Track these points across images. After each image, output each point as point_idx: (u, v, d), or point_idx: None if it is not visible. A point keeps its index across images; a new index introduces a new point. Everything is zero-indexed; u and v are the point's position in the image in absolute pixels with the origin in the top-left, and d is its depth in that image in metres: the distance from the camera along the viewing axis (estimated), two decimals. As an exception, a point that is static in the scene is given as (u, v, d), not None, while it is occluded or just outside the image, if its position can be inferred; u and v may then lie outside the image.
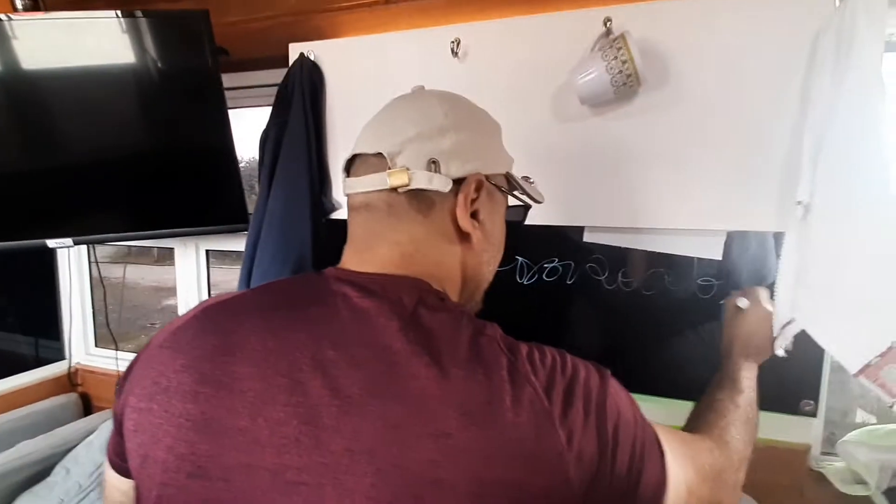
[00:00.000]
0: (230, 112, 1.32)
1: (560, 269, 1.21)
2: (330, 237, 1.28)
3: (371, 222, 0.56)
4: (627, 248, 1.13)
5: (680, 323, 1.14)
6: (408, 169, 0.53)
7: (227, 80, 1.33)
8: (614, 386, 0.53)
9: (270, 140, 1.26)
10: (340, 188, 1.24)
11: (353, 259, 0.56)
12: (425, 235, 0.56)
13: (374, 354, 0.45)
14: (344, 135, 1.28)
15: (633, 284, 1.16)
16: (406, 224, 0.55)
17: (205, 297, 1.75)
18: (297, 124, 1.22)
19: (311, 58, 1.25)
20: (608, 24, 0.98)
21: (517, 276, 1.24)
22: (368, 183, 0.55)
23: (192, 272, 1.72)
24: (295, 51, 1.26)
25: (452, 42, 1.11)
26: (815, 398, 1.06)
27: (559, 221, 1.09)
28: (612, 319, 1.19)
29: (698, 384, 1.15)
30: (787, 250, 0.87)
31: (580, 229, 1.15)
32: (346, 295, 0.50)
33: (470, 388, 0.43)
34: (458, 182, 0.56)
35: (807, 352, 1.03)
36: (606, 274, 1.17)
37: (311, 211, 1.20)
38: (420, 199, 0.55)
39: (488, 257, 0.65)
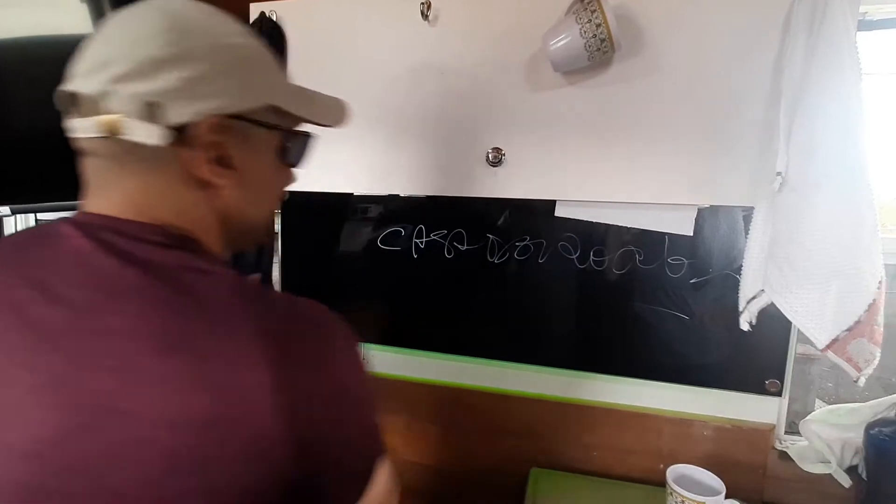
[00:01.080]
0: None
1: (532, 247, 1.17)
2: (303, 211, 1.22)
3: (99, 170, 0.49)
4: (599, 227, 1.11)
5: (651, 302, 1.12)
6: (120, 115, 0.45)
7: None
8: (352, 357, 0.50)
9: None
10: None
11: (88, 204, 0.50)
12: (161, 183, 0.49)
13: (79, 292, 0.43)
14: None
15: (605, 263, 1.13)
16: (136, 174, 0.48)
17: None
18: None
19: (273, 18, 1.17)
20: (583, -12, 0.95)
21: (488, 255, 1.20)
22: (81, 128, 0.47)
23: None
24: (256, 9, 1.19)
25: (423, 4, 1.06)
26: (781, 378, 1.06)
27: (532, 195, 1.06)
28: (584, 298, 1.17)
29: (668, 365, 1.15)
30: (757, 224, 0.86)
31: (552, 207, 1.12)
32: (64, 235, 0.47)
33: (170, 319, 0.42)
34: (184, 128, 0.47)
35: (773, 331, 1.04)
36: (578, 253, 1.14)
37: None
38: (145, 147, 0.46)
39: (253, 199, 0.56)
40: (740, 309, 0.87)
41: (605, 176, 1.00)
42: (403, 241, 1.27)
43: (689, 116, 0.93)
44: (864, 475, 1.00)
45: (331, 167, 1.25)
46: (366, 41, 1.14)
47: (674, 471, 0.98)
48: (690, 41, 0.92)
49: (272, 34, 1.16)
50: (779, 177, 0.82)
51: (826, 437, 1.05)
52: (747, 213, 0.98)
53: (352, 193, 1.27)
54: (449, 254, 1.23)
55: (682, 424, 1.14)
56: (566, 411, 1.20)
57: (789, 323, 1.01)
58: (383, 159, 1.20)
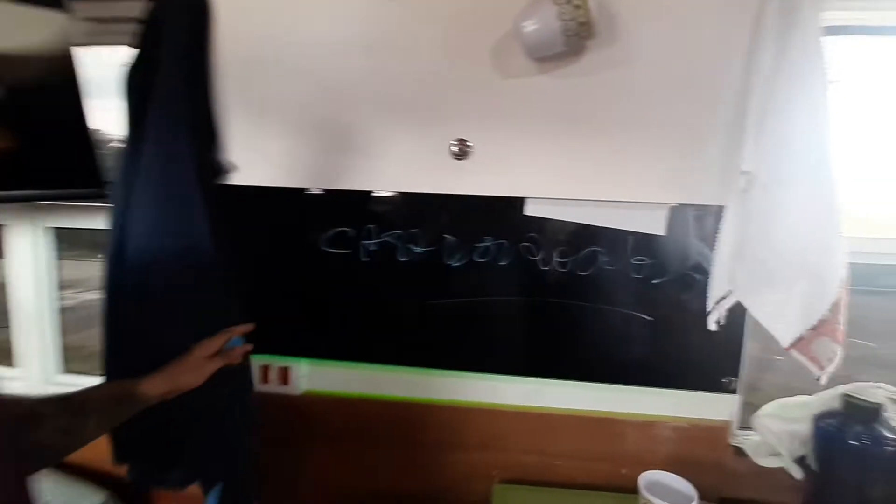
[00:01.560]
0: (86, 49, 1.02)
1: (493, 248, 1.10)
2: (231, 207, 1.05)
3: None
4: (564, 225, 1.06)
5: (615, 303, 1.09)
6: None
7: (83, 10, 1.04)
8: None
9: (137, 84, 0.98)
10: (236, 144, 1.03)
11: None
12: None
13: None
14: (241, 80, 1.05)
15: (569, 265, 1.09)
16: None
17: (50, 296, 1.38)
18: (172, 65, 0.96)
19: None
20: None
21: (443, 258, 1.11)
22: None
23: (29, 261, 1.34)
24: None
25: (379, -26, 0.95)
26: (737, 374, 1.08)
27: (502, 191, 0.98)
28: (546, 302, 1.11)
29: (630, 367, 1.13)
30: (727, 223, 0.85)
31: (517, 204, 1.05)
32: None
33: None
34: None
35: (728, 328, 1.05)
36: (542, 254, 1.09)
37: (198, 173, 0.95)
38: None
39: None
40: (708, 309, 0.86)
41: (577, 172, 0.95)
42: (351, 243, 1.14)
43: (661, 111, 0.91)
44: (813, 466, 1.03)
45: (265, 158, 1.10)
46: (314, 12, 1.00)
47: (645, 478, 0.96)
48: (665, 34, 0.89)
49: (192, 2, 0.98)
50: (745, 175, 0.80)
51: (777, 431, 1.07)
52: (700, 213, 0.98)
53: (292, 189, 1.12)
54: (402, 256, 1.13)
55: (644, 427, 1.12)
56: (526, 421, 1.15)
57: (744, 320, 1.04)
58: (329, 149, 1.07)
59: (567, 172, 0.95)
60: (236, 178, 1.00)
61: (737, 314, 0.99)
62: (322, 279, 1.17)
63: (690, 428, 1.11)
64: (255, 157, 1.07)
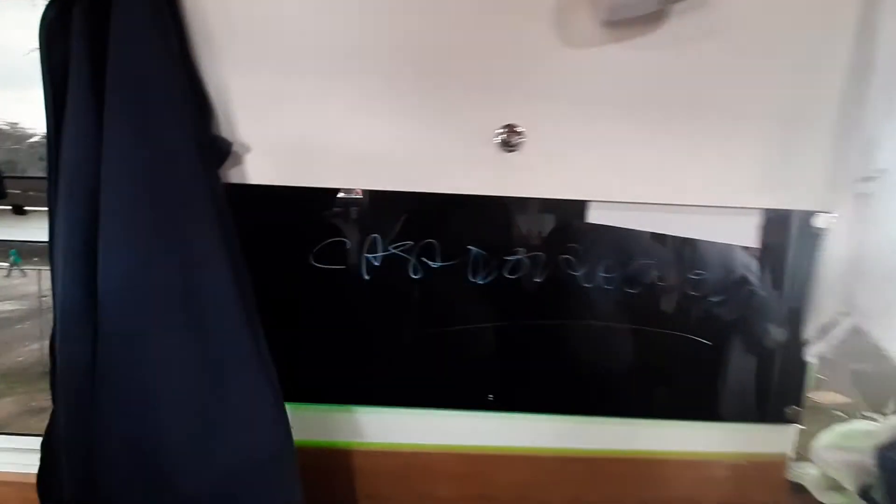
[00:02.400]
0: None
1: (526, 262, 0.91)
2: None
3: None
4: (609, 235, 0.89)
5: (668, 325, 0.93)
6: None
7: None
8: None
9: (77, 42, 0.68)
10: (229, 118, 0.75)
11: None
12: None
13: None
14: (226, 39, 0.78)
15: (617, 281, 0.92)
16: None
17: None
18: (138, 18, 0.67)
19: None
20: None
21: (469, 274, 0.91)
22: None
23: None
24: None
25: None
26: (800, 403, 0.96)
27: (562, 193, 0.78)
28: (587, 326, 0.94)
29: (683, 399, 0.98)
30: (837, 233, 0.71)
31: (567, 209, 0.86)
32: None
33: None
34: None
35: (789, 350, 0.93)
36: (584, 268, 0.91)
37: (201, 157, 0.67)
38: None
39: None
40: (807, 338, 0.72)
41: (655, 169, 0.77)
42: (349, 257, 0.91)
43: (757, 95, 0.75)
44: (882, 501, 0.93)
45: (255, 148, 0.83)
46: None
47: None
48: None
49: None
50: (872, 177, 0.67)
51: (839, 463, 0.96)
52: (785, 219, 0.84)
53: (271, 187, 0.87)
54: (416, 273, 0.91)
55: (695, 467, 0.97)
56: (564, 466, 0.96)
57: (802, 341, 0.92)
58: (342, 139, 0.82)
59: (643, 170, 0.77)
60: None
61: (796, 333, 0.87)
62: (311, 301, 0.92)
63: (747, 465, 0.98)
64: (245, 148, 0.81)
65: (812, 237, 0.87)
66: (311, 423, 0.92)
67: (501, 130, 0.75)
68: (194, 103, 0.69)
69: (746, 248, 0.90)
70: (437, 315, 0.93)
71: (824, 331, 0.72)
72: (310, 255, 0.90)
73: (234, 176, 0.80)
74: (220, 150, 0.73)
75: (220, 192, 0.68)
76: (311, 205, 0.88)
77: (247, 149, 0.80)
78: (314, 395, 0.94)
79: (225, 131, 0.80)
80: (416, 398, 0.95)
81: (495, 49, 0.73)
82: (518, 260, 0.91)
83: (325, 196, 0.88)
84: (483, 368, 0.95)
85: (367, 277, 0.91)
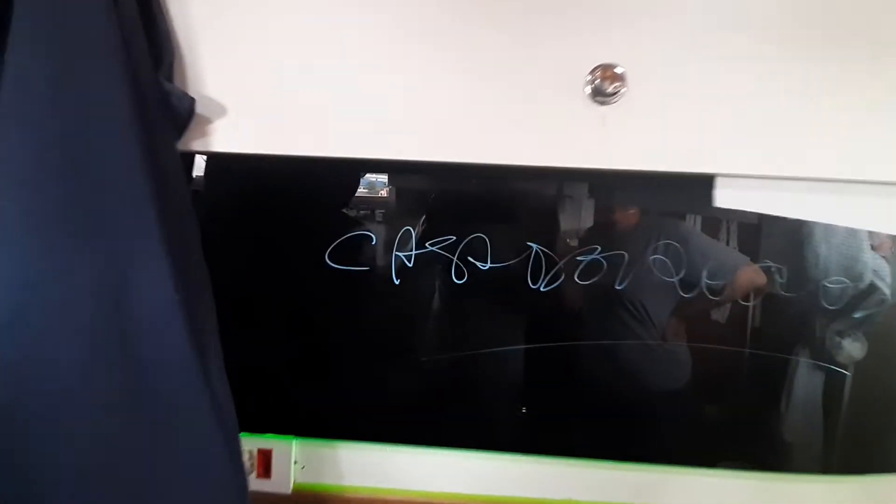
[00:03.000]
0: None
1: (603, 263, 0.69)
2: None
3: None
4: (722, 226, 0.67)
5: (791, 350, 0.71)
6: None
7: None
8: None
9: None
10: (194, 63, 0.55)
11: None
12: None
13: None
14: None
15: (723, 289, 0.69)
16: None
17: None
18: None
19: None
20: None
21: (528, 279, 0.69)
22: None
23: None
24: None
25: None
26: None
27: (678, 165, 0.54)
28: (687, 353, 0.72)
29: (809, 445, 0.75)
30: None
31: (655, 188, 0.64)
32: None
33: None
34: None
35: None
36: (682, 272, 0.69)
37: (146, 116, 0.46)
38: None
39: None
40: None
41: (814, 131, 0.53)
42: (375, 255, 0.71)
43: None
44: None
45: (230, 106, 0.62)
46: None
47: None
48: None
49: None
50: None
51: None
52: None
53: (272, 158, 0.67)
54: (460, 277, 0.70)
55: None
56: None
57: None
58: (375, 92, 0.60)
59: (799, 131, 0.52)
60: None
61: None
62: (326, 312, 0.73)
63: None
64: (211, 105, 0.60)
65: None
66: (316, 462, 0.73)
67: (593, 74, 0.51)
68: (141, 41, 0.48)
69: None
70: (487, 330, 0.73)
71: None
72: (324, 253, 0.70)
73: (196, 143, 0.59)
74: (177, 110, 0.51)
75: (173, 167, 0.48)
76: (323, 187, 0.68)
77: (218, 107, 0.57)
78: (317, 429, 0.74)
79: (186, 82, 0.58)
80: (453, 434, 0.75)
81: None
82: (593, 260, 0.69)
83: (340, 173, 0.68)
84: (542, 400, 0.74)
85: (396, 282, 0.70)
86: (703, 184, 0.56)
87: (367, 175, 0.73)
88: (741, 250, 0.70)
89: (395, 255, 0.70)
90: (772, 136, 0.53)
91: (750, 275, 0.69)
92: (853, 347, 0.70)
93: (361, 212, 0.73)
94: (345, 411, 0.74)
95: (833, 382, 0.71)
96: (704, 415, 0.73)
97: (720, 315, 0.70)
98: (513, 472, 0.73)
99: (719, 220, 0.69)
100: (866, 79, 0.52)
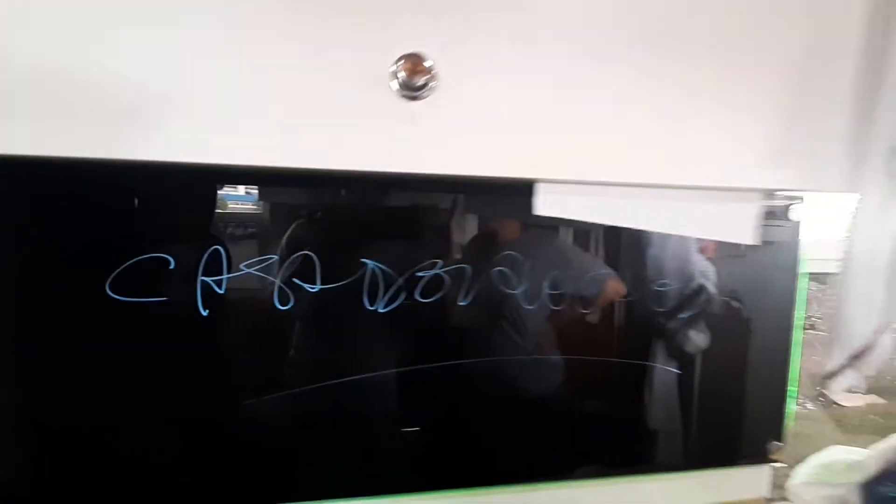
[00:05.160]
0: None
1: (446, 279, 0.64)
2: None
3: None
4: (554, 234, 0.66)
5: (631, 354, 0.72)
6: None
7: None
8: None
9: None
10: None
11: None
12: None
13: None
14: None
15: (565, 300, 0.68)
16: None
17: None
18: None
19: None
20: None
21: (365, 300, 0.62)
22: None
23: None
24: None
25: None
26: (780, 437, 0.79)
27: (485, 170, 0.50)
28: (520, 363, 0.69)
29: (644, 449, 0.77)
30: (863, 225, 0.52)
31: (486, 196, 0.61)
32: None
33: None
34: None
35: (770, 377, 0.77)
36: (524, 283, 0.66)
37: None
38: None
39: None
40: (831, 369, 0.53)
41: (634, 136, 0.53)
42: (174, 284, 0.58)
43: (767, 38, 0.54)
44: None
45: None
46: None
47: None
48: None
49: None
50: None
51: (818, 500, 0.81)
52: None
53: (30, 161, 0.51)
54: (284, 302, 0.60)
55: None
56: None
57: (785, 365, 0.76)
58: (146, 77, 0.48)
59: (618, 136, 0.51)
60: None
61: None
62: (106, 355, 0.57)
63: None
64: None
65: (790, 232, 0.71)
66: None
67: (399, 64, 0.45)
68: None
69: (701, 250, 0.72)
70: (315, 362, 0.63)
71: (859, 357, 0.53)
72: (107, 283, 0.55)
73: None
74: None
75: None
76: (100, 196, 0.54)
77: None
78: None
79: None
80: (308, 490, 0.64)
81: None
82: (433, 275, 0.64)
83: (121, 178, 0.55)
84: (387, 432, 0.66)
85: (204, 313, 0.58)
86: (523, 189, 0.54)
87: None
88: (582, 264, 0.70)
89: (202, 280, 0.58)
90: (592, 140, 0.53)
91: (616, 286, 0.69)
92: (699, 338, 0.73)
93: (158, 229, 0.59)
94: (128, 483, 0.58)
95: (666, 382, 0.73)
96: (550, 429, 0.71)
97: (562, 323, 0.69)
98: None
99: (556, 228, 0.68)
100: (683, 84, 0.53)
